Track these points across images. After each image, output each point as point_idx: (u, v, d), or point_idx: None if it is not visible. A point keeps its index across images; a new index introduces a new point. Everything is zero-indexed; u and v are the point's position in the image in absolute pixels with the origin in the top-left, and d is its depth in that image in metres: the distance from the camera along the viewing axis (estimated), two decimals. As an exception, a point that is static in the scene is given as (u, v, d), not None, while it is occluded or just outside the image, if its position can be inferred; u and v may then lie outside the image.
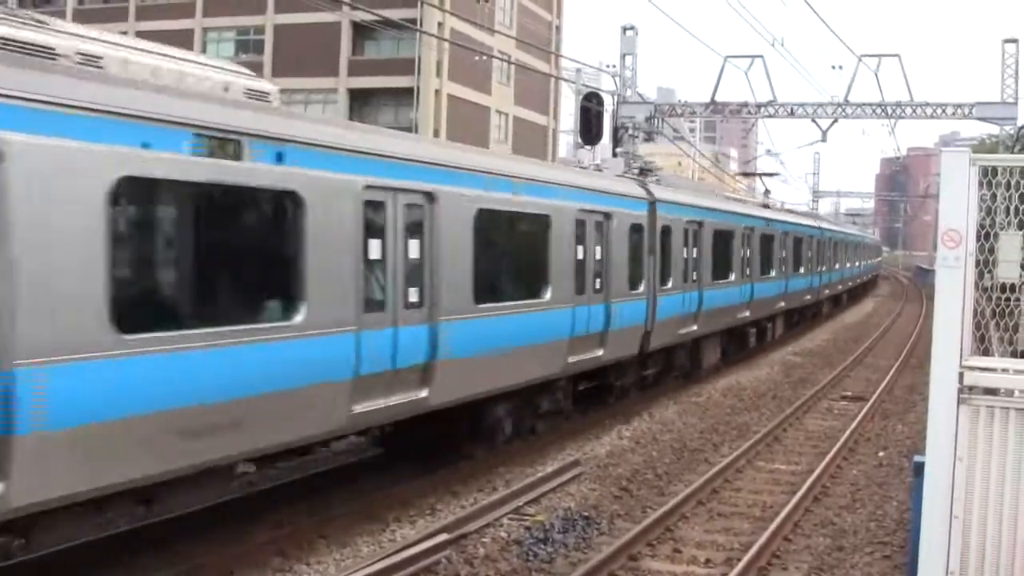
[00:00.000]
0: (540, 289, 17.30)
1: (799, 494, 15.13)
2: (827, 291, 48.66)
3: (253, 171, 10.78)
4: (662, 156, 65.62)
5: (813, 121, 43.26)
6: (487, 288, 15.49)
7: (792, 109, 42.96)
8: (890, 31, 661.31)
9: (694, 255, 25.36)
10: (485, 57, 58.73)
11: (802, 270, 40.55)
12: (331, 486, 14.80)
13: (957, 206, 7.59)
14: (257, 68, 64.17)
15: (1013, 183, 7.84)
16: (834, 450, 18.43)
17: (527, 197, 16.68)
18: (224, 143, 10.44)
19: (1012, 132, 40.50)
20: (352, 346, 12.28)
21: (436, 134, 58.95)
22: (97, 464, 9.18)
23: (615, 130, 41.27)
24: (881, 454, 19.05)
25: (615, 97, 41.93)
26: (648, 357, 23.13)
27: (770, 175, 64.88)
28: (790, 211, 52.00)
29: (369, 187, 12.66)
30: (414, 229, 13.71)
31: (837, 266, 51.82)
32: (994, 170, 7.84)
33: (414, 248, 13.65)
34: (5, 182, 8.33)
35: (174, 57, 11.42)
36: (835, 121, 43.21)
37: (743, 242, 30.28)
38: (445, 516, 13.77)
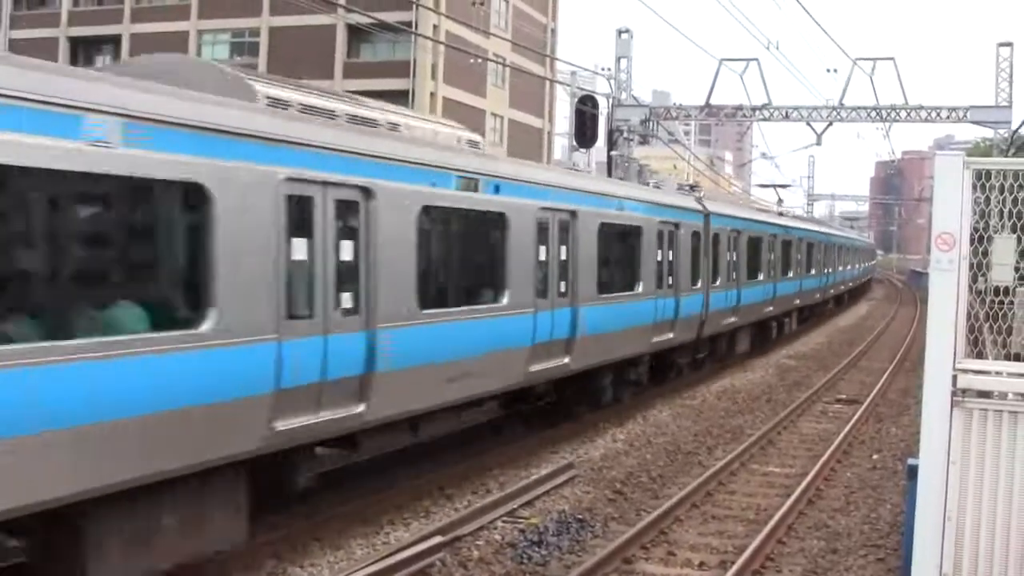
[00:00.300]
0: (634, 283, 21.67)
1: (793, 497, 15.13)
2: (832, 290, 53.95)
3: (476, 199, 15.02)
4: (657, 159, 65.62)
5: (808, 124, 43.32)
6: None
7: (787, 112, 42.97)
8: (885, 34, 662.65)
9: (734, 258, 29.93)
10: (480, 60, 58.76)
11: (813, 271, 45.43)
12: (325, 489, 14.77)
13: (951, 209, 7.61)
14: (252, 70, 64.57)
15: (1007, 186, 7.86)
16: (828, 453, 18.44)
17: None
18: (469, 181, 14.91)
19: (1006, 135, 40.55)
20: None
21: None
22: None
23: (610, 133, 41.29)
24: (875, 457, 19.06)
25: (610, 100, 41.95)
26: (700, 342, 27.37)
27: (783, 186, 75.07)
28: (799, 218, 58.86)
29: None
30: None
31: (841, 268, 57.31)
32: (988, 173, 7.86)
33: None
34: (377, 211, 12.55)
35: (424, 119, 16.42)
36: (830, 124, 43.28)
37: (769, 247, 35.21)
38: (439, 518, 13.76)
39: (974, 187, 7.79)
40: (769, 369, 31.67)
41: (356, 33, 62.04)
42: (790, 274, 39.09)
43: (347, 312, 12.26)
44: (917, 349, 33.39)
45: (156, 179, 9.69)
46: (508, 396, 17.99)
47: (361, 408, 12.54)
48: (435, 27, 58.48)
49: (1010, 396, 7.66)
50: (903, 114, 41.94)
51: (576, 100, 41.37)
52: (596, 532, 13.64)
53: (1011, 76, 41.15)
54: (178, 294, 10.52)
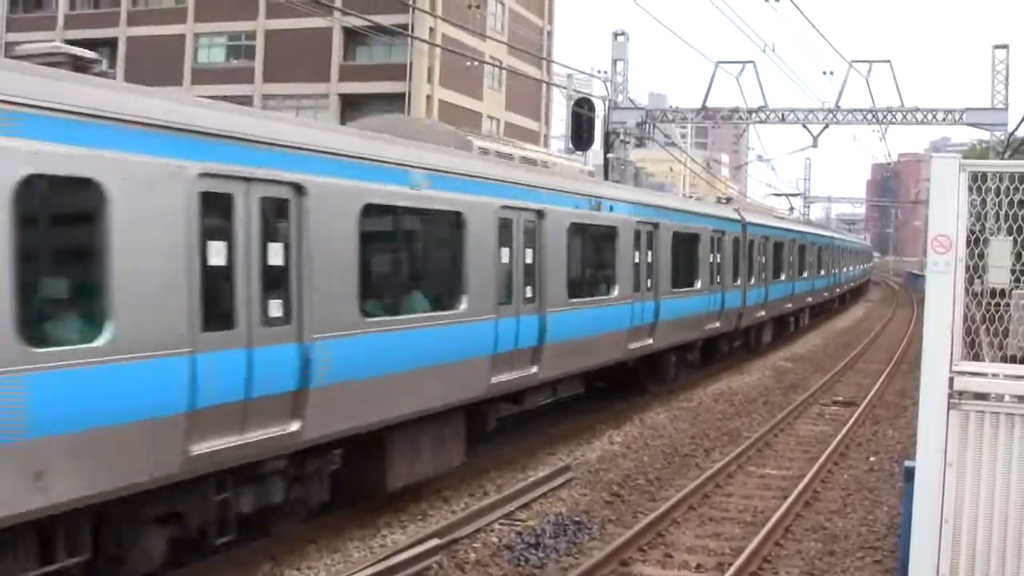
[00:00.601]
0: (694, 281, 26.34)
1: (790, 499, 15.14)
2: (838, 289, 59.49)
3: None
4: (653, 162, 65.68)
5: (804, 127, 43.38)
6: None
7: (783, 115, 43.03)
8: (881, 37, 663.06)
9: (763, 261, 34.58)
10: (477, 63, 58.77)
11: (822, 272, 49.90)
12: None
13: (947, 212, 7.62)
14: (248, 74, 64.59)
15: (1003, 188, 7.87)
16: (825, 455, 18.44)
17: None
18: (598, 202, 19.98)
19: (1002, 138, 40.59)
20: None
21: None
22: None
23: (606, 135, 41.35)
24: (872, 459, 19.07)
25: (606, 102, 41.99)
26: (738, 332, 31.99)
27: (795, 195, 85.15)
28: (810, 223, 67.75)
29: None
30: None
31: (845, 269, 62.79)
32: (983, 176, 7.88)
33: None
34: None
35: (565, 158, 23.26)
36: (826, 127, 43.38)
37: (789, 251, 39.87)
38: (436, 521, 13.76)
39: (970, 190, 7.79)
40: (766, 371, 31.68)
41: (352, 36, 62.03)
42: (805, 274, 43.51)
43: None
44: (914, 351, 33.41)
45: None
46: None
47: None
48: (431, 30, 58.52)
49: (1007, 398, 7.67)
50: (899, 116, 42.02)
51: (572, 103, 41.40)
52: (593, 534, 13.64)
53: (1007, 78, 41.27)
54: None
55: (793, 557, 13.03)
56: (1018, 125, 33.39)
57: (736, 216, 32.14)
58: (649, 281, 22.45)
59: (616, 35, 42.92)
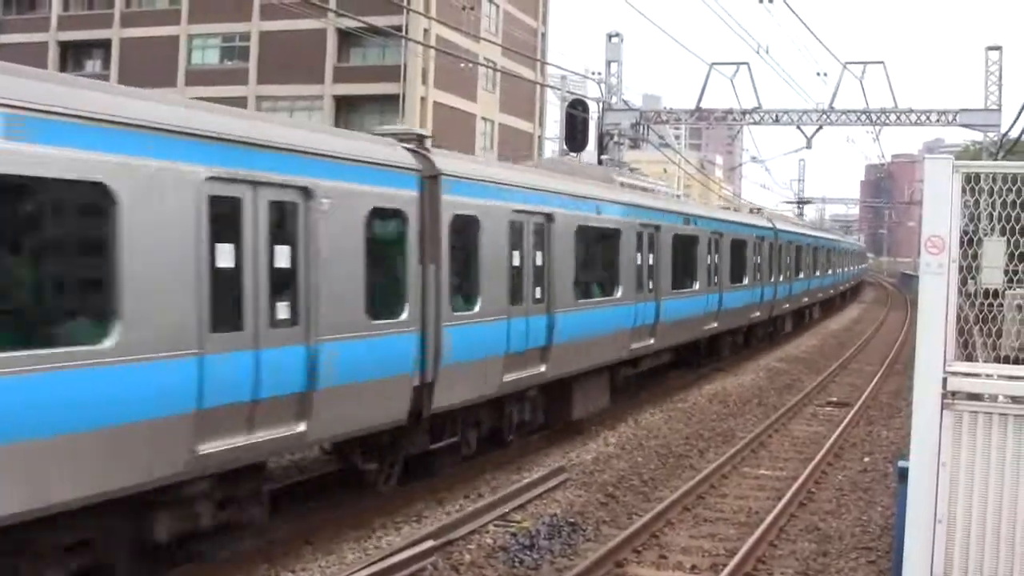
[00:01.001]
0: (743, 277, 32.88)
1: (784, 499, 15.16)
2: (842, 286, 67.58)
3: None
4: (647, 163, 65.66)
5: (798, 128, 43.41)
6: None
7: (777, 116, 43.04)
8: (875, 38, 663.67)
9: (788, 261, 40.74)
10: (471, 64, 58.77)
11: (830, 271, 56.44)
12: (317, 493, 14.76)
13: (940, 213, 7.63)
14: (242, 75, 64.52)
15: (996, 189, 7.89)
16: (819, 456, 18.48)
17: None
18: (689, 218, 26.81)
19: (995, 139, 40.66)
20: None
21: (422, 141, 58.75)
22: None
23: (600, 137, 41.34)
24: (866, 459, 19.10)
25: (600, 104, 41.99)
26: (770, 321, 39.07)
27: (806, 202, 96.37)
28: (817, 227, 78.55)
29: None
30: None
31: (844, 269, 68.99)
32: (977, 176, 7.89)
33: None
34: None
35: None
36: (820, 128, 43.37)
37: (807, 253, 46.23)
38: (431, 523, 13.76)
39: (964, 191, 7.81)
40: (760, 372, 31.71)
41: (347, 37, 62.02)
42: (818, 273, 50.30)
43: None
44: (908, 351, 33.45)
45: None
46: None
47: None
48: (425, 31, 58.49)
49: (1000, 398, 7.69)
50: (893, 118, 42.07)
51: (566, 104, 41.41)
52: (588, 535, 13.66)
53: (1000, 80, 41.31)
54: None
55: (787, 558, 13.05)
56: (1011, 126, 33.50)
57: (769, 224, 38.83)
58: (716, 278, 29.29)
59: (610, 36, 42.91)
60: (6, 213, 8.74)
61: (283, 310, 11.30)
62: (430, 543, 12.40)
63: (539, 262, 17.36)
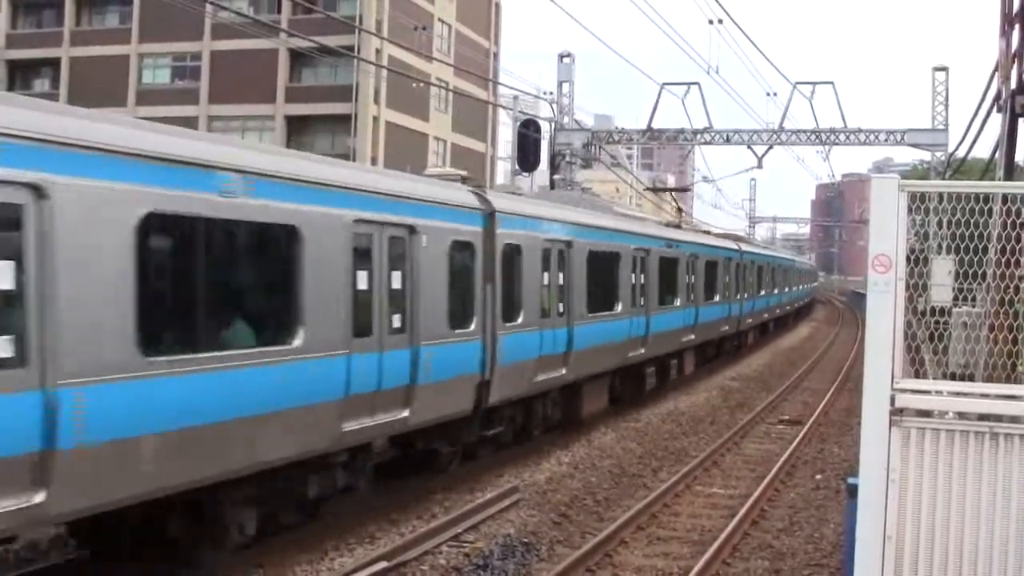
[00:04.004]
0: (715, 294, 36.81)
1: (737, 518, 15.21)
2: (797, 303, 73.51)
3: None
4: (599, 183, 65.97)
5: (749, 147, 43.69)
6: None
7: (728, 136, 43.39)
8: (824, 59, 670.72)
9: (751, 280, 44.73)
10: (423, 84, 58.81)
11: (787, 289, 62.76)
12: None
13: (887, 232, 7.68)
14: (193, 95, 64.19)
15: (942, 208, 7.97)
16: (772, 474, 18.57)
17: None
18: (671, 243, 30.53)
19: (943, 158, 41.16)
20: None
21: (374, 161, 58.85)
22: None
23: (552, 157, 41.51)
24: (818, 477, 19.21)
25: (552, 124, 42.17)
26: (737, 334, 43.03)
27: (767, 220, 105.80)
28: (768, 245, 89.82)
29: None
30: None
31: (799, 287, 75.76)
32: (923, 196, 7.96)
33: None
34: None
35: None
36: (770, 147, 43.70)
37: (763, 272, 50.38)
38: (384, 544, 13.69)
39: (910, 210, 7.88)
40: (712, 391, 31.84)
41: (298, 57, 61.93)
42: (776, 291, 55.85)
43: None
44: (859, 369, 33.44)
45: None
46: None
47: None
48: (377, 51, 58.54)
49: (950, 415, 7.74)
50: (842, 137, 42.52)
51: (518, 124, 41.52)
52: (542, 555, 13.63)
53: (947, 100, 41.85)
54: None
55: (740, 576, 13.09)
56: (957, 145, 33.87)
57: (736, 246, 43.13)
58: (692, 295, 32.60)
59: (562, 57, 43.13)
60: (248, 248, 12.19)
61: (396, 320, 14.49)
62: (383, 564, 12.35)
63: (561, 282, 20.86)
